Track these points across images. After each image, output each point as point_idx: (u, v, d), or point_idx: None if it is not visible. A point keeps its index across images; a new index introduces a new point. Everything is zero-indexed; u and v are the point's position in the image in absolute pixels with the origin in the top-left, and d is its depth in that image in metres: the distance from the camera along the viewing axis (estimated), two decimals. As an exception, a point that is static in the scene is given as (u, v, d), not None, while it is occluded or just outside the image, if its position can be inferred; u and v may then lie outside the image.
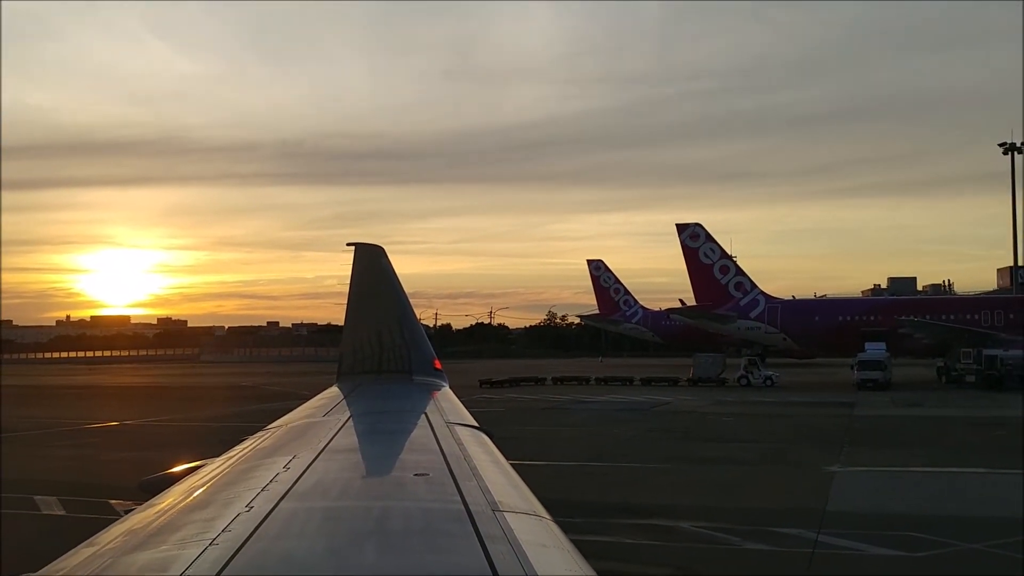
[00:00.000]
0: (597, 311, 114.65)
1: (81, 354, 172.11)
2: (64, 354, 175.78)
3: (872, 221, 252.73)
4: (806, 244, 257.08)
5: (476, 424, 6.66)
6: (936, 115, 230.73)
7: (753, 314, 76.35)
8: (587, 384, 69.99)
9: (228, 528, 3.32)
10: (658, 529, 19.82)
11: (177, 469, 5.49)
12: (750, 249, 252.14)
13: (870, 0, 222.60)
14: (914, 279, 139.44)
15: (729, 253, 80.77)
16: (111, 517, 22.26)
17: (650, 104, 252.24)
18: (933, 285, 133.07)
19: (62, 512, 22.38)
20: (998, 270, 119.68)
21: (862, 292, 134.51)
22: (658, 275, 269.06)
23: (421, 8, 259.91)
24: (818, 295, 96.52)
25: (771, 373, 67.77)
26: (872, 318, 72.77)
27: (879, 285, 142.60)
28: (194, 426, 43.59)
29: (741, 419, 44.67)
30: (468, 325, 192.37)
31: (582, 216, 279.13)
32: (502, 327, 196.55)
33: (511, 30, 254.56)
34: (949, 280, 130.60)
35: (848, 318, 74.05)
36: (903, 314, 71.20)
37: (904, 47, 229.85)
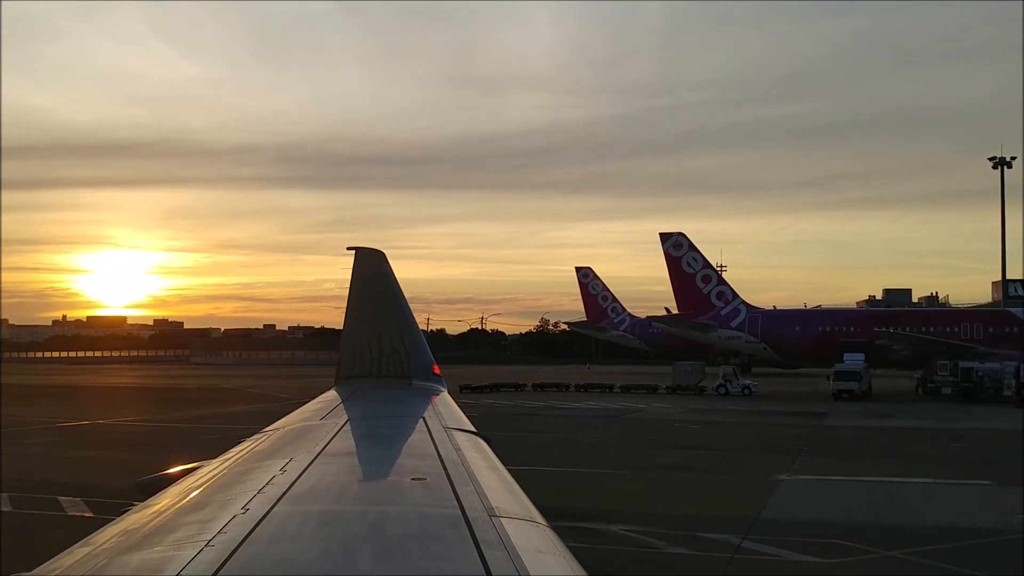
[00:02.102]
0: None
1: (74, 354, 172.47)
2: (57, 354, 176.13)
3: (871, 233, 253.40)
4: (805, 255, 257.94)
5: (474, 429, 6.68)
6: (935, 129, 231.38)
7: (734, 323, 76.62)
8: (566, 391, 70.26)
9: (224, 530, 3.32)
10: (587, 532, 20.06)
11: (173, 470, 5.52)
12: (749, 259, 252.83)
13: (870, 14, 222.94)
14: (909, 291, 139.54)
15: (719, 263, 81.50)
16: (56, 513, 22.59)
17: (650, 114, 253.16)
18: (928, 297, 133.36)
19: (8, 508, 22.70)
20: (993, 283, 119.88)
21: (856, 303, 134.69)
22: (657, 283, 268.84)
23: (424, 15, 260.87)
24: (808, 306, 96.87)
25: (749, 382, 68.17)
26: (852, 329, 73.06)
27: (874, 296, 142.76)
28: (162, 426, 43.92)
29: (709, 427, 44.97)
30: (463, 331, 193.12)
31: (582, 224, 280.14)
32: (498, 333, 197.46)
33: (513, 38, 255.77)
34: (936, 292, 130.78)
35: (828, 329, 74.35)
36: (882, 326, 71.51)
37: (904, 60, 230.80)
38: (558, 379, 76.83)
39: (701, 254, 79.49)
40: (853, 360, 65.27)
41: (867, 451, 35.99)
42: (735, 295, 78.54)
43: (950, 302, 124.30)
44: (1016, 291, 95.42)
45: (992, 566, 18.02)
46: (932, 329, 71.12)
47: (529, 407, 55.32)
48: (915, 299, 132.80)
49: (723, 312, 77.19)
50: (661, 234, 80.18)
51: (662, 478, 28.53)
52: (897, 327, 71.77)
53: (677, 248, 79.05)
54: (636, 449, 35.91)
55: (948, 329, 70.92)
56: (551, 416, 50.09)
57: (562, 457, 32.60)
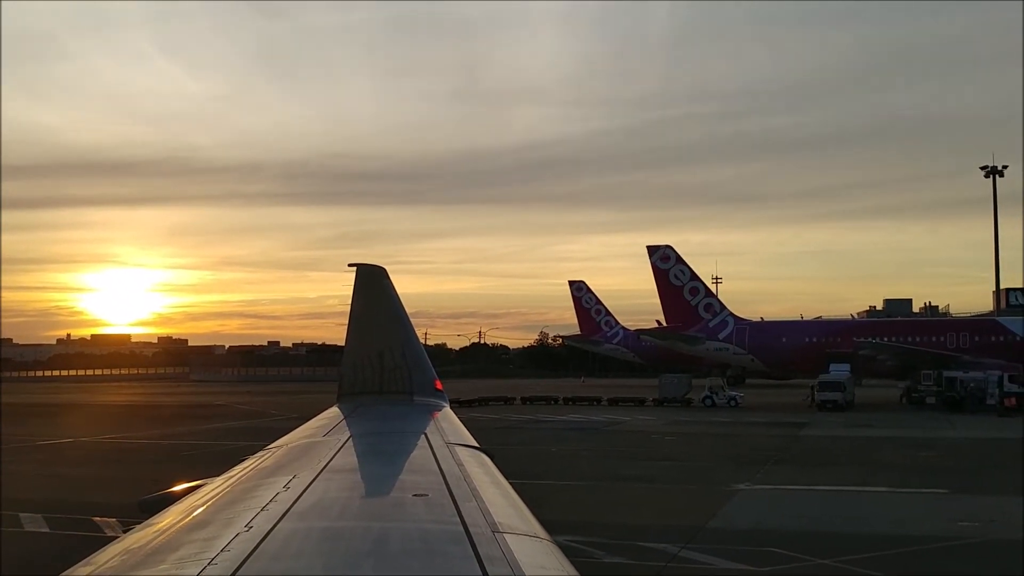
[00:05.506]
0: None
1: (76, 372, 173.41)
2: (60, 372, 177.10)
3: (876, 243, 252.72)
4: (810, 266, 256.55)
5: (476, 445, 6.66)
6: (938, 138, 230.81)
7: (722, 335, 76.95)
8: (554, 404, 70.56)
9: (227, 548, 3.31)
10: (530, 543, 20.41)
11: (176, 489, 5.54)
12: (754, 271, 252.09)
13: (873, 24, 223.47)
14: (910, 301, 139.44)
15: (715, 276, 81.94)
16: (14, 530, 22.92)
17: (655, 126, 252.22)
18: (924, 307, 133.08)
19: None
20: (993, 292, 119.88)
21: (856, 313, 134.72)
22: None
23: (428, 29, 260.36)
24: (804, 317, 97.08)
25: (736, 394, 68.39)
26: (837, 340, 73.30)
27: (875, 307, 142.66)
28: (142, 443, 44.34)
29: (685, 439, 45.18)
30: (464, 345, 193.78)
31: (587, 237, 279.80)
32: (500, 347, 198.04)
33: (517, 52, 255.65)
34: (928, 302, 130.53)
35: (814, 339, 74.67)
36: (868, 336, 71.78)
37: (907, 70, 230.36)
38: (550, 392, 77.20)
39: (688, 266, 79.93)
40: (839, 371, 65.54)
41: (836, 461, 36.25)
42: (723, 307, 78.92)
43: (951, 312, 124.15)
44: (1017, 300, 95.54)
45: (920, 571, 18.37)
46: (919, 339, 71.36)
47: (512, 421, 55.56)
48: (916, 309, 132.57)
49: (711, 324, 77.58)
50: (649, 247, 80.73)
51: (622, 489, 28.82)
52: (884, 337, 72.01)
53: (664, 261, 79.51)
54: (606, 461, 36.21)
55: (935, 339, 71.17)
56: (532, 429, 50.37)
57: (528, 469, 32.74)
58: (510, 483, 5.29)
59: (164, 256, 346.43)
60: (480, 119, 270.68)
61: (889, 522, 22.76)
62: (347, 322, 9.80)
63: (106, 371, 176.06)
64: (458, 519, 3.85)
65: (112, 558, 3.55)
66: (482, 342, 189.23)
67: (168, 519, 4.31)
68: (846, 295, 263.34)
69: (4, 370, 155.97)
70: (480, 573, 3.09)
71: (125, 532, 4.40)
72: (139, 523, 4.44)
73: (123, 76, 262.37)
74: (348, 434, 7.07)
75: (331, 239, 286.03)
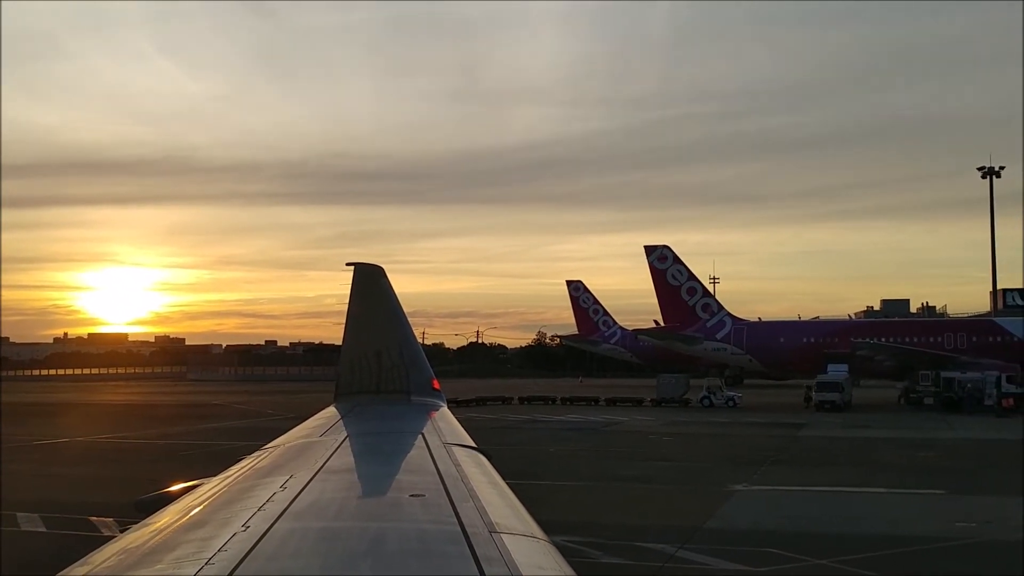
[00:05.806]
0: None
1: (73, 371, 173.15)
2: (57, 371, 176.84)
3: (874, 243, 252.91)
4: (809, 266, 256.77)
5: (474, 445, 6.65)
6: (937, 138, 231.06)
7: (719, 335, 77.05)
8: (552, 404, 70.54)
9: (224, 548, 3.31)
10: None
11: (173, 488, 5.55)
12: (752, 270, 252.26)
13: (872, 24, 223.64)
14: (907, 301, 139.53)
15: (712, 276, 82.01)
16: (11, 529, 22.84)
17: (654, 126, 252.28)
18: (921, 307, 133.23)
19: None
20: (990, 292, 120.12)
21: (854, 314, 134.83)
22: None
23: (428, 29, 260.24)
24: (801, 317, 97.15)
25: (734, 394, 68.41)
26: (836, 340, 73.39)
27: (872, 307, 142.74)
28: (139, 443, 44.27)
29: (682, 439, 45.22)
30: (462, 344, 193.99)
31: (586, 237, 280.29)
32: (499, 346, 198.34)
33: (517, 52, 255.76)
34: (926, 302, 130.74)
35: (812, 340, 74.77)
36: (865, 337, 71.85)
37: (906, 70, 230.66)
38: (547, 392, 77.17)
39: (686, 267, 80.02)
40: (837, 371, 65.56)
41: (833, 461, 36.27)
42: (720, 307, 78.99)
43: (949, 312, 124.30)
44: (1014, 300, 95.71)
45: (917, 571, 18.38)
46: (917, 340, 71.44)
47: (510, 421, 55.54)
48: (913, 309, 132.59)
49: (708, 324, 77.65)
50: (646, 247, 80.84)
51: (620, 489, 28.81)
52: (882, 338, 72.08)
53: (662, 261, 79.60)
54: (603, 461, 36.21)
55: (932, 339, 71.24)
56: (529, 429, 50.36)
57: (528, 469, 32.71)
58: (507, 483, 5.27)
59: (162, 255, 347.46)
60: (480, 119, 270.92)
61: (886, 522, 22.75)
62: (345, 321, 9.74)
63: (103, 370, 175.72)
64: (455, 519, 3.84)
65: (109, 558, 3.55)
66: (480, 342, 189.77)
67: (165, 519, 4.31)
68: (844, 295, 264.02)
69: (1, 369, 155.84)
70: (477, 573, 3.09)
71: (122, 532, 4.40)
72: (136, 523, 4.41)
73: (122, 76, 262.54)
74: (345, 434, 7.06)
75: (330, 238, 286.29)
